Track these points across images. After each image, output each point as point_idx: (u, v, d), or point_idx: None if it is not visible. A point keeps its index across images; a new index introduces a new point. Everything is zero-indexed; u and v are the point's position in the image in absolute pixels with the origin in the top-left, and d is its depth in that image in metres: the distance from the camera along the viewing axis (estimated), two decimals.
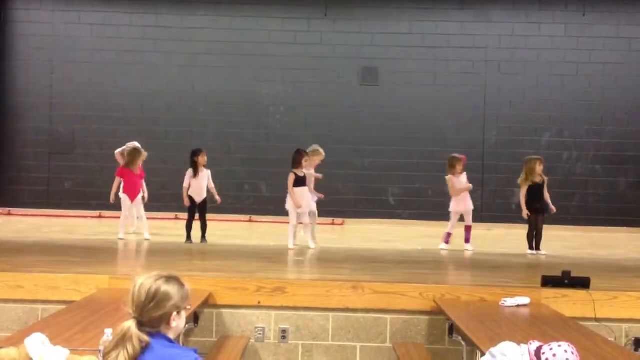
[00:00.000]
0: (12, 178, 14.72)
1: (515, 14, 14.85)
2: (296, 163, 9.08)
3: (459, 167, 9.62)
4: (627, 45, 14.74)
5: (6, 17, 14.89)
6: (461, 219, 9.70)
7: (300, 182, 9.04)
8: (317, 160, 9.63)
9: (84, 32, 14.85)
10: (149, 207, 14.18)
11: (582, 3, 14.62)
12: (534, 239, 9.51)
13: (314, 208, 9.30)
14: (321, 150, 9.71)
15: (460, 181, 9.64)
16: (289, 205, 9.10)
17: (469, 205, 9.64)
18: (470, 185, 9.72)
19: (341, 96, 14.78)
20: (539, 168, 9.46)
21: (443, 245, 9.64)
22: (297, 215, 9.01)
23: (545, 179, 9.60)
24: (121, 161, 10.20)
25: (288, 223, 9.19)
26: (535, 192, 9.49)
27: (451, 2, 14.83)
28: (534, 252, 9.46)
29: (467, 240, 9.61)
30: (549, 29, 14.81)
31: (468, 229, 9.66)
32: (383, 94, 14.79)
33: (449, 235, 9.71)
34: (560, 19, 14.80)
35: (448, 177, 9.70)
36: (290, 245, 9.02)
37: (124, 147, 10.25)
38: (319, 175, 9.69)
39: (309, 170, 9.43)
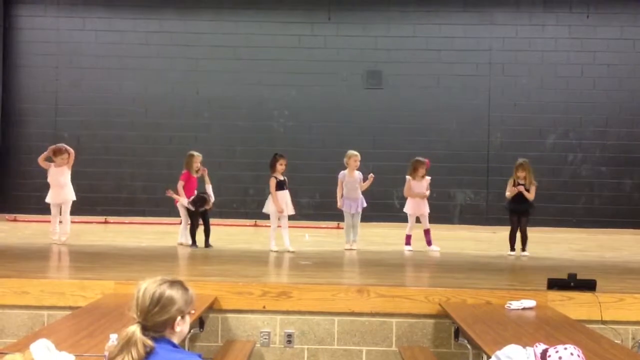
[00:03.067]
0: (17, 184, 14.76)
1: (519, 16, 14.84)
2: (272, 167, 9.35)
3: (421, 171, 9.85)
4: (632, 47, 14.71)
5: (11, 24, 14.95)
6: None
7: (280, 185, 9.27)
8: (352, 163, 9.70)
9: (89, 38, 14.90)
10: (156, 212, 14.29)
11: (586, 5, 14.59)
12: (514, 239, 9.60)
13: (292, 212, 9.42)
14: (352, 152, 9.81)
15: (419, 185, 9.83)
16: (268, 209, 9.29)
17: (424, 209, 9.87)
18: (426, 193, 9.87)
19: (345, 99, 14.79)
20: (520, 173, 9.54)
21: (407, 247, 9.80)
22: (277, 217, 9.23)
23: (534, 184, 9.59)
24: (45, 166, 9.89)
25: (291, 227, 9.35)
26: (517, 194, 9.58)
27: (454, 5, 14.83)
28: (513, 253, 9.55)
29: (429, 243, 9.81)
30: (553, 30, 14.79)
31: (427, 232, 9.87)
32: (387, 97, 14.79)
33: (408, 237, 9.88)
34: (564, 21, 14.79)
35: (408, 177, 9.89)
36: (274, 248, 9.13)
37: (46, 152, 9.93)
38: (369, 177, 9.81)
39: (350, 173, 9.64)
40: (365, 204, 9.89)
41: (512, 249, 9.59)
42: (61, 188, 9.79)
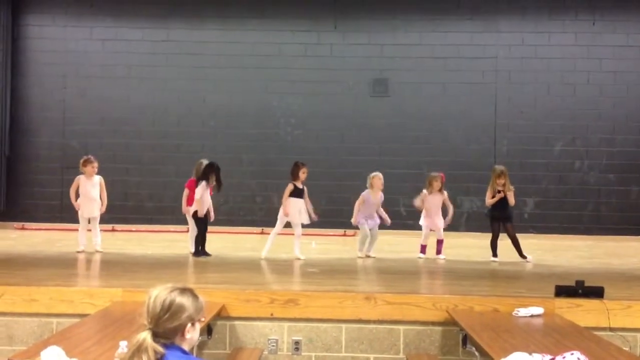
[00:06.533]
0: (25, 192, 14.84)
1: (525, 24, 14.86)
2: (294, 175, 9.40)
3: (435, 185, 9.91)
4: (638, 54, 14.70)
5: (19, 34, 15.06)
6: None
7: (297, 193, 9.35)
8: (377, 182, 9.78)
9: (96, 48, 15.00)
10: (163, 219, 14.33)
11: (592, 12, 14.61)
12: (496, 245, 9.74)
13: (306, 221, 9.42)
14: (376, 173, 9.90)
15: (433, 199, 9.91)
16: (283, 216, 9.37)
17: (438, 224, 9.95)
18: (435, 209, 9.93)
19: (351, 107, 14.82)
20: (499, 180, 9.64)
21: (421, 255, 9.95)
22: (283, 223, 9.37)
23: (511, 189, 9.69)
24: (74, 186, 9.78)
25: (300, 235, 9.39)
26: (498, 201, 9.68)
27: (460, 13, 14.87)
28: (497, 259, 9.67)
29: (438, 252, 9.90)
30: (559, 38, 14.80)
31: (439, 242, 9.95)
32: (393, 104, 14.82)
33: (423, 247, 10.01)
34: (570, 28, 14.80)
35: (424, 192, 9.98)
36: (301, 256, 9.16)
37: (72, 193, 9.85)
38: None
39: (375, 194, 9.76)
40: (378, 221, 9.94)
41: (495, 254, 9.73)
42: (92, 201, 9.74)
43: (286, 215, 9.24)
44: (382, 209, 9.91)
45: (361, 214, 9.81)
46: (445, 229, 10.07)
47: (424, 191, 9.98)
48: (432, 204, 9.93)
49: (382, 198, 9.91)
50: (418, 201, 10.05)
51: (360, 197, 9.86)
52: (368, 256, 9.78)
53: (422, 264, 9.43)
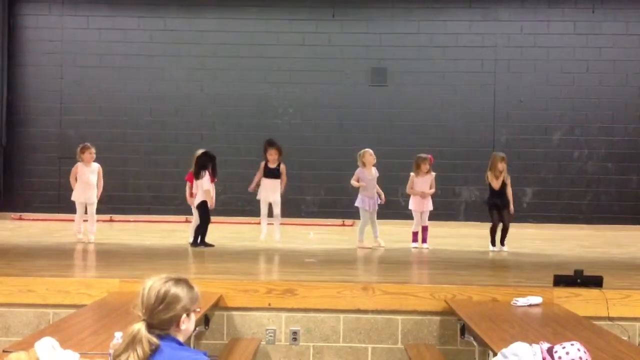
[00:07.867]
0: (23, 183, 14.80)
1: (524, 12, 14.78)
2: (264, 155, 9.49)
3: (424, 167, 9.83)
4: (637, 43, 14.63)
5: (15, 23, 14.97)
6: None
7: (268, 172, 9.47)
8: (369, 157, 9.71)
9: (93, 37, 14.91)
10: (162, 210, 14.31)
11: (591, 0, 14.53)
12: (495, 234, 9.62)
13: (276, 199, 9.50)
14: (365, 150, 9.85)
15: (423, 181, 9.83)
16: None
17: (427, 206, 9.88)
18: (426, 192, 9.84)
19: (350, 97, 14.76)
20: (501, 165, 9.52)
21: (414, 244, 9.85)
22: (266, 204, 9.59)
23: (508, 177, 9.65)
24: (74, 173, 9.82)
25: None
26: (499, 189, 9.59)
27: (459, 1, 14.78)
28: (495, 248, 9.58)
29: (424, 240, 9.81)
30: (558, 26, 14.73)
31: (424, 229, 9.86)
32: (392, 94, 14.76)
33: (415, 234, 9.91)
34: (569, 17, 14.72)
35: (412, 174, 9.92)
36: (279, 238, 9.28)
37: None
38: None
39: (368, 169, 9.67)
40: (379, 201, 9.86)
41: (494, 243, 9.63)
42: (89, 186, 9.74)
43: (251, 190, 9.33)
44: (377, 186, 9.80)
45: (362, 195, 9.70)
46: (438, 218, 10.01)
47: (412, 174, 9.91)
48: (421, 187, 9.85)
49: (377, 173, 9.80)
50: (407, 187, 9.97)
51: (355, 174, 9.71)
52: (380, 246, 9.65)
53: (420, 253, 9.41)
